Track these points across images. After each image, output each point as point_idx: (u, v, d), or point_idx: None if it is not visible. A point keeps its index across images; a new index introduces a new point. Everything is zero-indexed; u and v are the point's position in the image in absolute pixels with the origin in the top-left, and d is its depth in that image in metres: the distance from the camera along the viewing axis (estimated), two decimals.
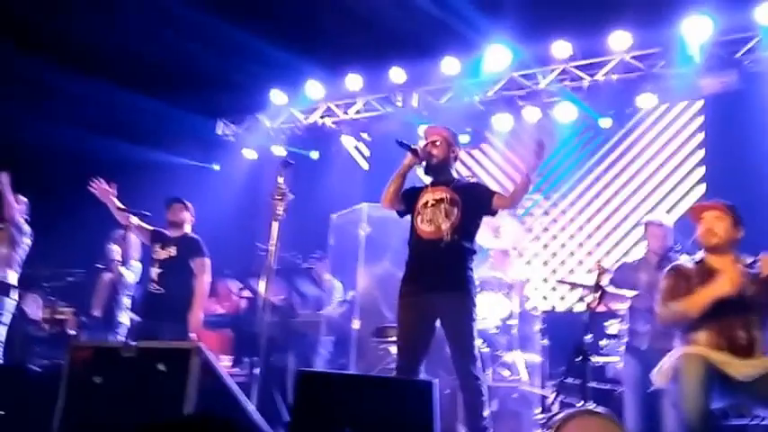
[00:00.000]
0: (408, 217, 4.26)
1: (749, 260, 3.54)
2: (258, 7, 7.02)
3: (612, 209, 7.46)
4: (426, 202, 4.16)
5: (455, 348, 3.96)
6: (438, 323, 4.06)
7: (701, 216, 3.65)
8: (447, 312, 3.97)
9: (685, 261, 3.73)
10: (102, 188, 5.43)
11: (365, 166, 8.79)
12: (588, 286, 5.25)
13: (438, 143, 4.24)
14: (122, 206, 5.51)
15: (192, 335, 5.17)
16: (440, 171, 4.25)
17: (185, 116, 7.91)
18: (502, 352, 5.76)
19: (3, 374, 4.60)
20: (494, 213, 4.20)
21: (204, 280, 5.46)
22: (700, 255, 3.69)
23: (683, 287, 3.52)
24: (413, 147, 4.21)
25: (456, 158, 4.35)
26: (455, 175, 4.34)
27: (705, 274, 3.51)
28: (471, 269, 4.09)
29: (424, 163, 4.24)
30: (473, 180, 4.36)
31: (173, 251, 5.46)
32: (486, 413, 3.88)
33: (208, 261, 5.50)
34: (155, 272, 5.44)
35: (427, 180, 4.32)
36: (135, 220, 5.58)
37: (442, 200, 4.12)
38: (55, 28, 6.98)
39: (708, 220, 3.60)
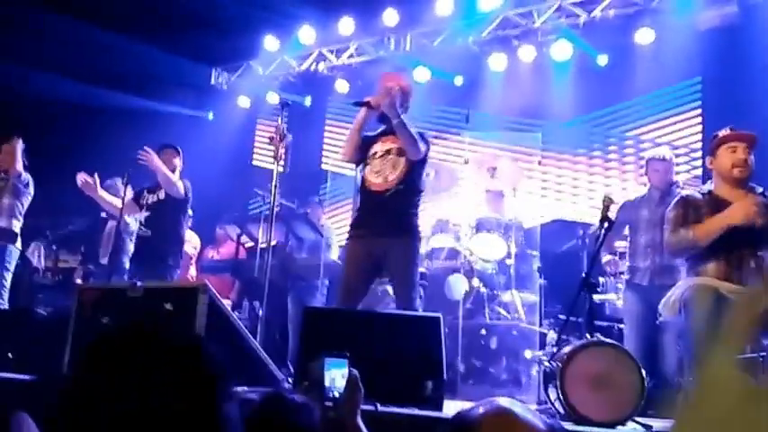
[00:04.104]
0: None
1: (759, 189, 3.51)
2: None
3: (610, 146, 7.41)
4: (375, 153, 4.18)
5: (398, 292, 4.09)
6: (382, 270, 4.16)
7: (732, 146, 3.50)
8: (391, 257, 4.03)
9: (694, 192, 3.66)
10: (86, 183, 5.50)
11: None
12: (588, 224, 5.30)
13: (392, 90, 4.14)
14: (108, 196, 5.64)
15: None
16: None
17: (177, 62, 7.73)
18: (499, 291, 5.83)
19: (10, 318, 4.64)
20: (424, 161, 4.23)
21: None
22: (708, 186, 3.63)
23: (692, 216, 3.48)
24: (365, 100, 4.22)
25: (407, 108, 4.26)
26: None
27: (715, 204, 3.46)
28: (417, 214, 4.15)
29: (376, 112, 4.20)
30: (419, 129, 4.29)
31: (161, 194, 5.60)
32: None
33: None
34: (143, 215, 5.65)
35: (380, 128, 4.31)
36: (111, 197, 5.65)
37: (389, 151, 4.14)
38: None
39: (741, 152, 3.47)
